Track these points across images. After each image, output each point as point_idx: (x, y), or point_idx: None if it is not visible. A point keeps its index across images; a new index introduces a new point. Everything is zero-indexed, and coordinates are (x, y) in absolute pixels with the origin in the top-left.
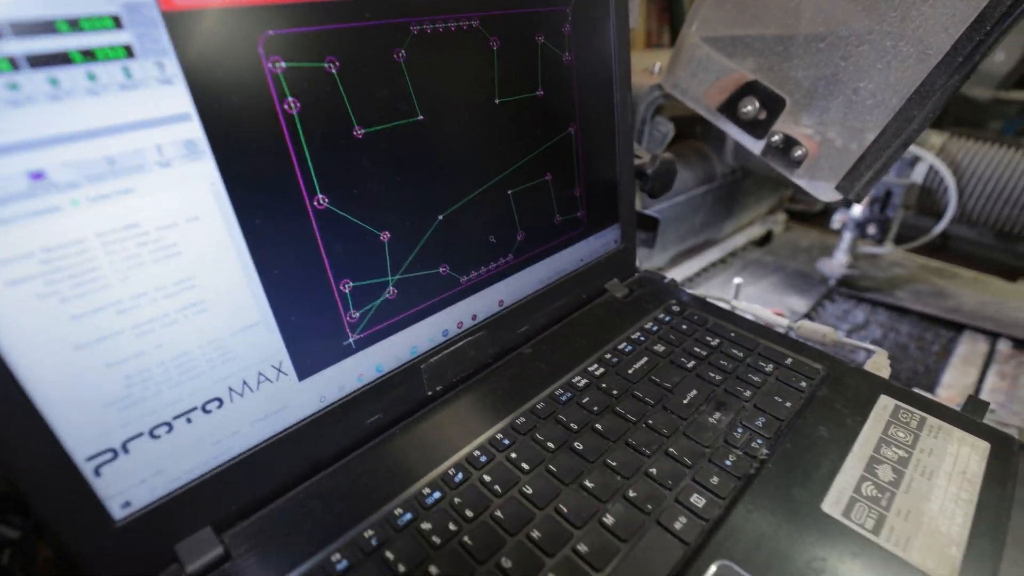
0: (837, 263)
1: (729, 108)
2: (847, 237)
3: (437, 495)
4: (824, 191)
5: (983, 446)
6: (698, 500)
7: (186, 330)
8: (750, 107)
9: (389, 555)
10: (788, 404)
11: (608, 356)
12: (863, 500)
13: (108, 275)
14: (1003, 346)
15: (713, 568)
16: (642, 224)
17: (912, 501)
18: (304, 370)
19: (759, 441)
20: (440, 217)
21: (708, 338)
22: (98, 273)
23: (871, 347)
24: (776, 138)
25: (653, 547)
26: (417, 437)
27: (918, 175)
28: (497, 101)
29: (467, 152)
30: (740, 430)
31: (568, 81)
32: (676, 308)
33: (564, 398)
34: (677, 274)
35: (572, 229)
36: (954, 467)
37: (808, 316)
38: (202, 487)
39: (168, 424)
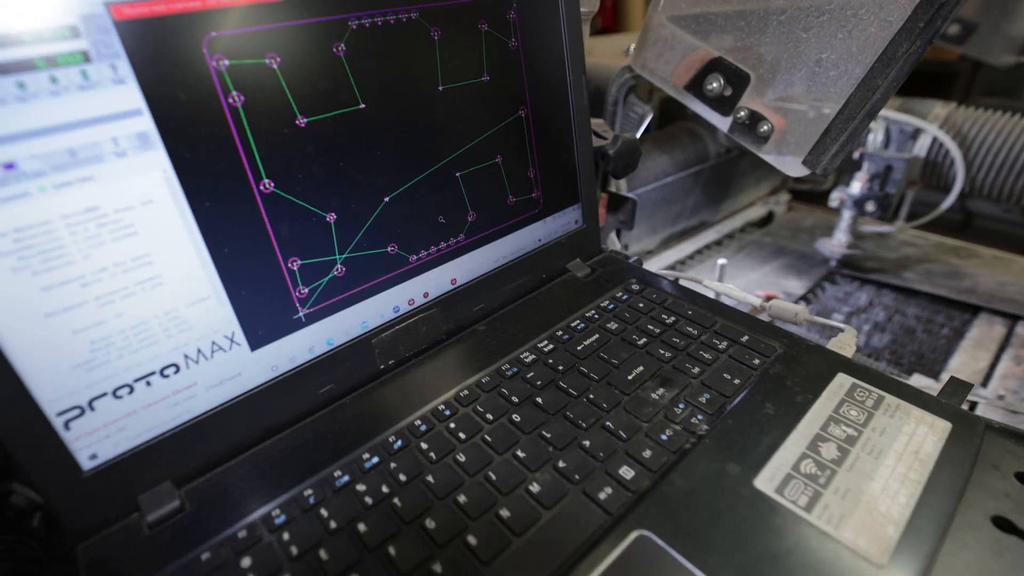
0: (837, 243)
1: (695, 86)
2: (846, 216)
3: (375, 460)
4: (791, 166)
5: (943, 426)
6: (627, 472)
7: (143, 301)
8: (715, 84)
9: (323, 512)
10: (736, 381)
11: (560, 333)
12: (800, 477)
13: (72, 252)
14: (1022, 329)
15: (632, 537)
16: (619, 205)
17: (854, 479)
18: (256, 341)
19: (700, 417)
20: (386, 199)
21: (664, 316)
22: (64, 250)
23: (840, 325)
24: (742, 114)
25: (574, 515)
26: (365, 407)
27: (920, 149)
28: (440, 88)
29: (411, 137)
30: (682, 406)
31: (515, 66)
32: (636, 287)
33: (510, 372)
34: (669, 256)
35: (528, 210)
36: (906, 447)
37: (805, 299)
38: (163, 444)
39: (129, 386)
